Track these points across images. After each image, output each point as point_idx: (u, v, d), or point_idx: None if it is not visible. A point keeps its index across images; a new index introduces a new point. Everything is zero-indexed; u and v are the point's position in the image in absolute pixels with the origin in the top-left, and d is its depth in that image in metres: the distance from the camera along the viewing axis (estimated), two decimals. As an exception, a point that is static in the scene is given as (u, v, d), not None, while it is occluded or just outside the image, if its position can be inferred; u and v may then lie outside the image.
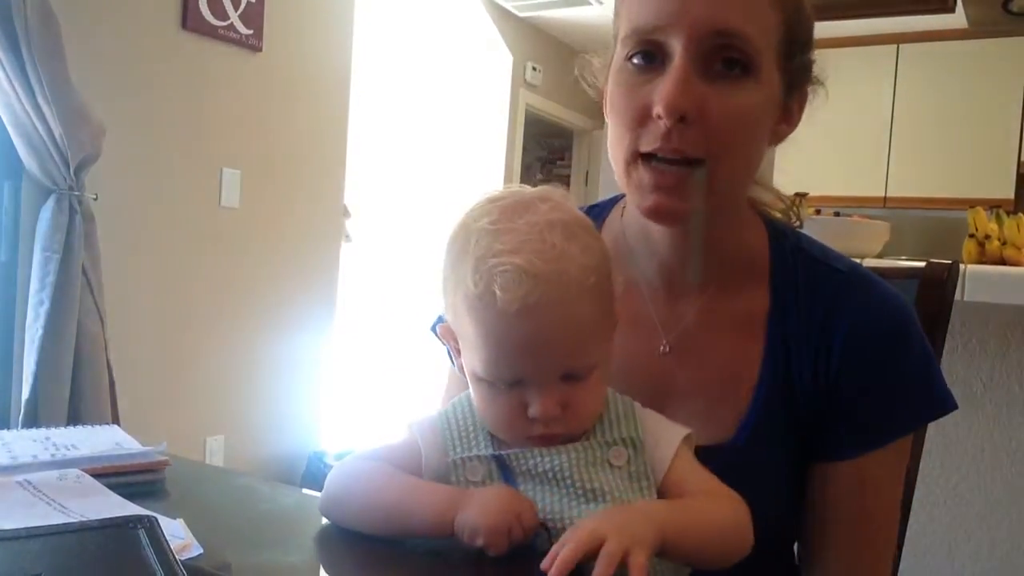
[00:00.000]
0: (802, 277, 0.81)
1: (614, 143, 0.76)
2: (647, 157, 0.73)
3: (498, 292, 0.63)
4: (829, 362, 0.78)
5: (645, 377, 0.80)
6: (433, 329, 0.92)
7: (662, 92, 0.70)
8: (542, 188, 0.72)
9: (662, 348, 0.82)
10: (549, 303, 0.64)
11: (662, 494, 0.69)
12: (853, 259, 0.84)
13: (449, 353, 0.77)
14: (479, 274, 0.65)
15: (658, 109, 0.70)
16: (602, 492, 0.66)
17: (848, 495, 0.80)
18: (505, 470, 0.68)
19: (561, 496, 0.66)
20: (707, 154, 0.71)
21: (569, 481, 0.66)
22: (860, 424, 0.78)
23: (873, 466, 0.79)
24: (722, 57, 0.71)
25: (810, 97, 0.81)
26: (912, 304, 0.95)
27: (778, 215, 0.88)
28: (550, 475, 0.67)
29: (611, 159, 0.77)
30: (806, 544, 0.85)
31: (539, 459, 0.67)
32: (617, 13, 0.78)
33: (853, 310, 0.78)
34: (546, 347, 0.65)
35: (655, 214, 0.74)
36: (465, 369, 0.71)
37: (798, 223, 0.88)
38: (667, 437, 0.70)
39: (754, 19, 0.71)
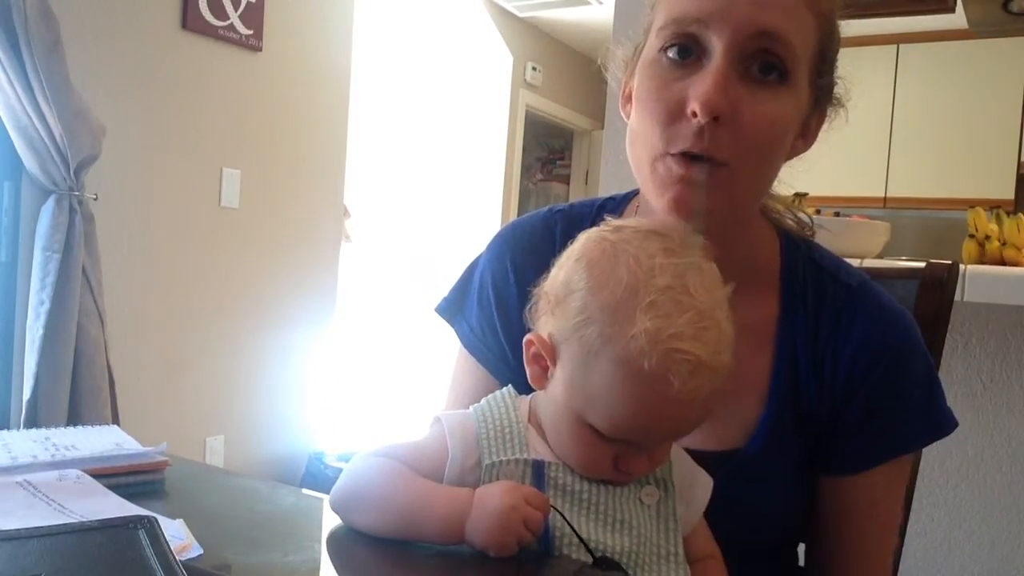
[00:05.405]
0: (811, 289, 0.80)
1: (640, 138, 0.74)
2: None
3: (675, 381, 0.61)
4: (835, 378, 0.78)
5: None
6: (438, 311, 0.91)
7: (700, 89, 0.68)
8: (690, 234, 0.68)
9: None
10: (712, 392, 0.64)
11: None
12: (864, 272, 0.83)
13: (522, 361, 0.71)
14: (655, 352, 0.61)
15: (694, 106, 0.68)
16: (628, 524, 0.67)
17: (849, 509, 0.80)
18: (539, 476, 0.67)
19: (588, 518, 0.66)
20: (732, 158, 0.70)
21: (599, 507, 0.67)
22: (862, 441, 0.78)
23: (874, 481, 0.79)
24: (760, 61, 0.69)
25: (829, 118, 0.80)
26: (913, 306, 0.95)
27: (790, 223, 0.87)
28: (582, 495, 0.67)
29: (633, 154, 0.75)
30: (812, 550, 0.86)
31: (577, 478, 0.68)
32: (652, 4, 0.76)
33: (860, 327, 0.78)
34: (690, 428, 0.66)
35: (675, 203, 0.71)
36: (568, 405, 0.67)
37: (811, 232, 0.87)
38: (700, 494, 0.72)
39: (797, 26, 0.70)
